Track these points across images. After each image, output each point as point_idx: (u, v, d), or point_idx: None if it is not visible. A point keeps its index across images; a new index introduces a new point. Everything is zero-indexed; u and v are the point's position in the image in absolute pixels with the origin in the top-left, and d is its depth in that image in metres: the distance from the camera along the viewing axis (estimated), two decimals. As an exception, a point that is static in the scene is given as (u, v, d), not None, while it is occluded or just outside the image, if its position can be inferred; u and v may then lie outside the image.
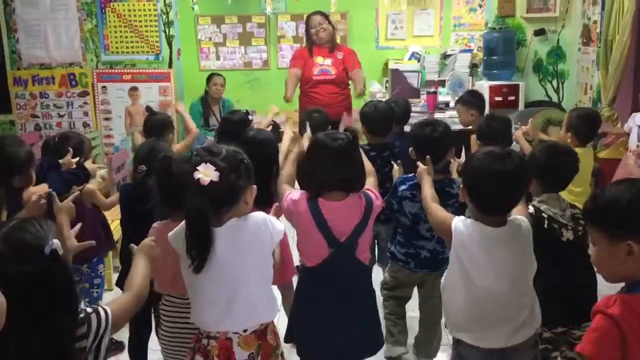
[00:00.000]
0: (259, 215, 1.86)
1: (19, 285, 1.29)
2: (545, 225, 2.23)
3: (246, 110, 4.30)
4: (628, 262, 1.41)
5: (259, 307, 1.84)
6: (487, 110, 4.23)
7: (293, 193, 2.18)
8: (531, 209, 2.24)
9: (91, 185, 3.09)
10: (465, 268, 1.93)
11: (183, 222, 1.82)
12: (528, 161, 2.25)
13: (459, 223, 1.97)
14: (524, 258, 1.97)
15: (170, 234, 1.87)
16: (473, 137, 3.43)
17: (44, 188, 2.56)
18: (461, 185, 2.00)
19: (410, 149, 2.77)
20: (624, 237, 1.41)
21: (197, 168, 1.71)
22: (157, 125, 3.66)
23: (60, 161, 2.95)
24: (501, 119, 3.33)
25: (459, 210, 2.72)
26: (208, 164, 1.71)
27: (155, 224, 2.24)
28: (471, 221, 1.96)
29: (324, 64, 4.91)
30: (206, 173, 1.70)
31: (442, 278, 2.10)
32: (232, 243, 1.77)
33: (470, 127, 3.86)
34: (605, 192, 1.49)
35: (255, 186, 1.84)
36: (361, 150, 2.33)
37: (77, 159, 2.99)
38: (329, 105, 4.57)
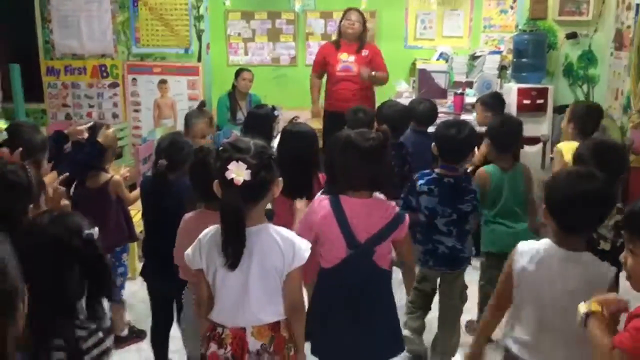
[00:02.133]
0: (285, 234, 1.86)
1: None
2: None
3: (272, 105, 4.34)
4: None
5: (267, 310, 1.86)
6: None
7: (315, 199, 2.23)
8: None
9: (118, 177, 3.14)
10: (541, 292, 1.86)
11: (212, 227, 1.85)
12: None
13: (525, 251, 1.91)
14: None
15: (202, 235, 1.90)
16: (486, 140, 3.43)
17: (52, 177, 2.60)
18: (543, 206, 1.92)
19: (433, 144, 2.79)
20: None
21: (228, 167, 1.72)
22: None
23: (66, 131, 3.00)
24: (513, 121, 3.32)
25: (476, 206, 2.75)
26: (239, 162, 1.72)
27: (187, 215, 2.30)
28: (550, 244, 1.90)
29: (347, 61, 4.90)
30: (238, 172, 1.72)
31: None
32: (248, 248, 1.80)
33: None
34: None
35: (281, 178, 1.86)
36: None
37: (86, 125, 3.05)
38: (350, 102, 4.56)
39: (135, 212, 3.52)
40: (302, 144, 2.78)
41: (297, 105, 5.71)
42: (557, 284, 1.82)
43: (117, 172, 3.25)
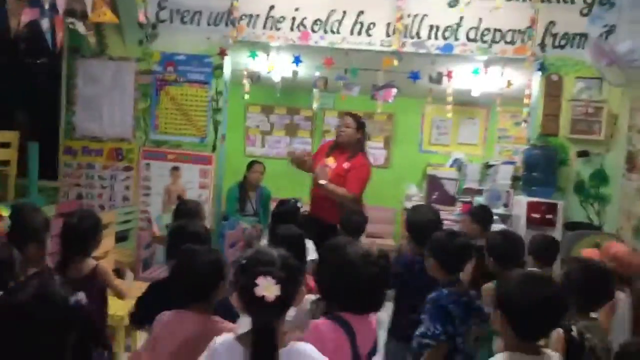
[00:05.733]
0: (312, 351, 1.78)
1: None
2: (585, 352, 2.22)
3: (294, 199, 4.31)
4: None
5: None
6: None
7: (316, 325, 2.07)
8: (574, 333, 2.23)
9: (104, 264, 3.08)
10: None
11: (226, 337, 1.74)
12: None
13: None
14: None
15: (219, 346, 1.74)
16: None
17: None
18: (494, 312, 1.95)
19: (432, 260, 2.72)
20: None
21: (257, 282, 1.64)
22: (186, 212, 3.70)
23: None
24: (514, 237, 3.29)
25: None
26: (268, 277, 1.64)
27: (165, 314, 2.18)
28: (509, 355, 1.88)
29: (327, 165, 4.44)
30: (269, 289, 1.63)
31: None
32: None
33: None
34: None
35: (303, 289, 1.79)
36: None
37: None
38: (318, 208, 4.41)
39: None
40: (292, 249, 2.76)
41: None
42: None
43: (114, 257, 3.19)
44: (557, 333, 2.21)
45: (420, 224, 3.16)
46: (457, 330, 2.58)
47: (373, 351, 2.16)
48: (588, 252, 3.50)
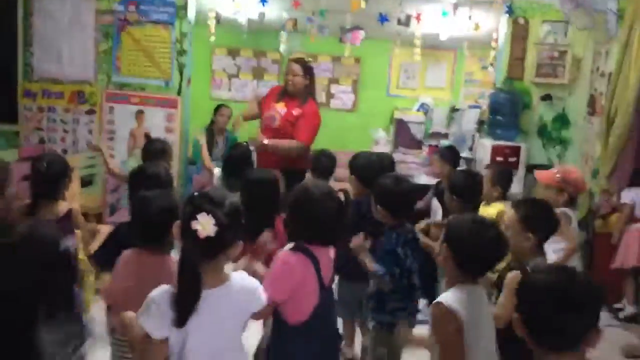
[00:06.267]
0: (252, 283, 1.90)
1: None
2: None
3: (246, 142, 4.33)
4: None
5: None
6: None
7: (283, 256, 2.16)
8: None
9: (77, 205, 3.08)
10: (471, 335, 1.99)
11: (165, 288, 1.77)
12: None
13: (451, 303, 1.99)
14: None
15: (157, 297, 1.77)
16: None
17: None
18: (440, 246, 2.09)
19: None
20: None
21: (197, 217, 1.68)
22: (154, 151, 3.69)
23: None
24: (476, 175, 3.44)
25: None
26: (210, 215, 1.68)
27: (126, 252, 2.27)
28: (459, 288, 2.03)
29: (276, 111, 4.19)
30: (205, 226, 1.67)
31: None
32: (215, 309, 1.76)
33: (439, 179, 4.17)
34: None
35: (241, 242, 1.81)
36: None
37: None
38: (264, 155, 4.19)
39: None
40: (266, 192, 2.85)
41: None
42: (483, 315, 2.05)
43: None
44: (512, 273, 2.33)
45: (364, 166, 3.28)
46: (411, 268, 2.70)
47: (331, 282, 2.31)
48: (543, 174, 3.66)
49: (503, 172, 3.78)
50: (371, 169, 3.22)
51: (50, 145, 5.39)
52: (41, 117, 5.43)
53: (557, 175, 3.52)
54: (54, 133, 5.45)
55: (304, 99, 4.20)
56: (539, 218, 2.44)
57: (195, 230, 1.67)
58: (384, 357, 2.75)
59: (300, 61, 4.30)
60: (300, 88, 4.19)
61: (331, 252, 2.27)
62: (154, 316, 1.72)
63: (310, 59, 4.60)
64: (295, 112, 4.15)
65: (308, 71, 4.27)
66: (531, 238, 2.38)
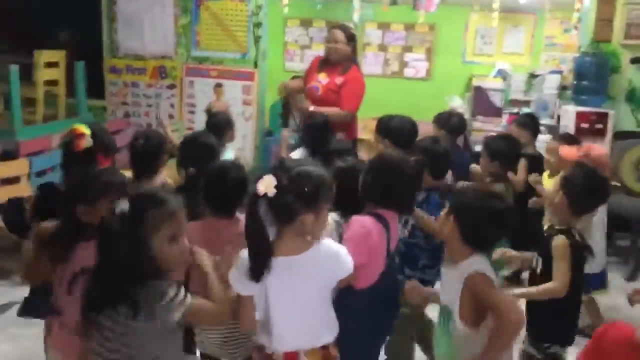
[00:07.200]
0: (338, 249, 1.88)
1: None
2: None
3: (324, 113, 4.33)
4: None
5: (321, 331, 1.89)
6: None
7: (359, 220, 2.19)
8: (577, 237, 2.39)
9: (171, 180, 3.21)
10: None
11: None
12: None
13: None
14: None
15: (241, 254, 1.83)
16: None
17: None
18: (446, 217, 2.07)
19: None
20: None
21: (263, 177, 1.73)
22: (216, 124, 3.79)
23: None
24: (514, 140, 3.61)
25: None
26: (273, 177, 1.71)
27: (192, 223, 2.16)
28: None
29: (319, 82, 4.20)
30: (265, 185, 1.70)
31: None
32: (298, 274, 1.79)
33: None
34: None
35: (312, 216, 1.76)
36: None
37: None
38: None
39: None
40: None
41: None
42: None
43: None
44: (561, 239, 2.32)
45: (399, 128, 3.33)
46: None
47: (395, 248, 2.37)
48: (566, 150, 3.52)
49: None
50: (405, 130, 3.31)
51: (135, 119, 5.61)
52: (126, 92, 5.65)
53: (580, 152, 3.42)
54: (138, 107, 5.67)
55: (346, 67, 4.15)
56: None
57: (257, 191, 1.71)
58: (410, 317, 2.78)
59: (342, 27, 4.27)
60: (342, 55, 4.15)
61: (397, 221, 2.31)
62: (239, 274, 1.79)
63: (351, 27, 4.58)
64: (338, 80, 4.13)
65: (351, 37, 4.22)
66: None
